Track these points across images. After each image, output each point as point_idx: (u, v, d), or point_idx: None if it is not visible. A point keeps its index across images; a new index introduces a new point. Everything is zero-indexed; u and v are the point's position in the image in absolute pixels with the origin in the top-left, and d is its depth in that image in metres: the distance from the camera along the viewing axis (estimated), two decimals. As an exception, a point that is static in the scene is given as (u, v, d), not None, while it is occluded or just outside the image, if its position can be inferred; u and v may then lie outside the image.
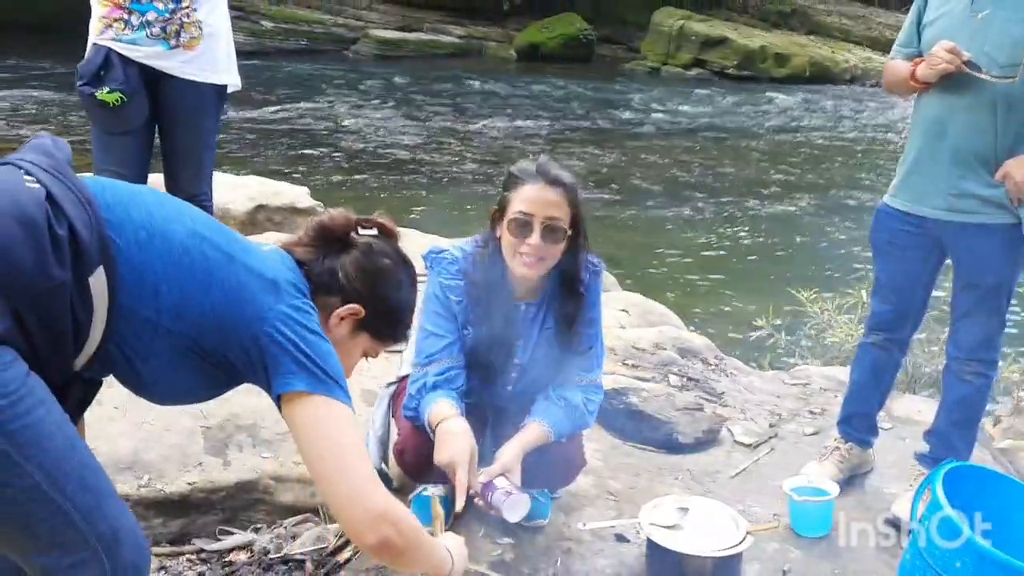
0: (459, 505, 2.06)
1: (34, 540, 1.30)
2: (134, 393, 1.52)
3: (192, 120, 2.77)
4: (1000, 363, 2.83)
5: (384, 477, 2.43)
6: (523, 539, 2.37)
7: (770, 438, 3.11)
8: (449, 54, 20.15)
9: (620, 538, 2.39)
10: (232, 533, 2.46)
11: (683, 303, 4.78)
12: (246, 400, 2.65)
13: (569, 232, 2.17)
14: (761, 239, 7.64)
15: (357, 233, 1.64)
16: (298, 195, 4.92)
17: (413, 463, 2.29)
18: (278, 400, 1.46)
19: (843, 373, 3.83)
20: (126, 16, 2.60)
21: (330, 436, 1.44)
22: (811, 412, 3.38)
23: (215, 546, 2.42)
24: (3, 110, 10.79)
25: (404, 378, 2.41)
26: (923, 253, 2.54)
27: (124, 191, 1.45)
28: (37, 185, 1.32)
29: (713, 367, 3.68)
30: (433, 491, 2.40)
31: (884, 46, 21.06)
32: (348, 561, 2.32)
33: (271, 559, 2.32)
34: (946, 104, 2.40)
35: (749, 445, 3.04)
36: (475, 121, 12.70)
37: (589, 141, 11.96)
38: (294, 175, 8.34)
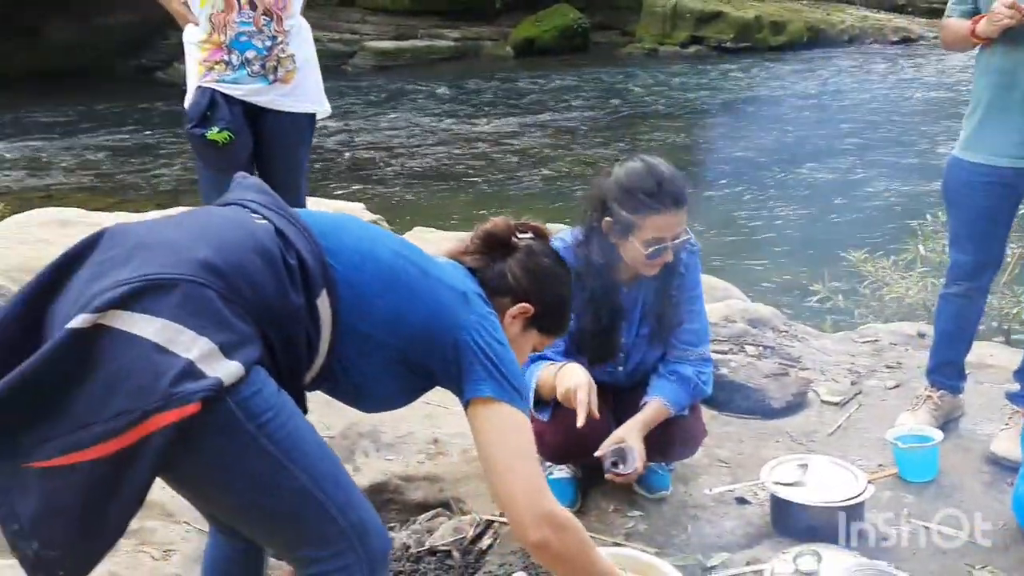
0: (580, 421, 2.15)
1: (300, 535, 1.44)
2: (349, 405, 1.67)
3: (291, 149, 2.91)
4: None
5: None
6: (651, 511, 2.50)
7: (855, 395, 3.23)
8: (447, 58, 20.21)
9: (741, 500, 2.52)
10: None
11: (740, 277, 4.89)
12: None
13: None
14: (804, 206, 7.70)
15: (517, 237, 1.77)
16: (355, 210, 5.06)
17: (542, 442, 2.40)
18: (467, 403, 1.60)
19: (909, 328, 3.96)
20: (227, 57, 2.74)
21: (509, 440, 1.58)
22: (887, 367, 3.49)
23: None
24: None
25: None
26: (998, 202, 2.66)
27: (330, 220, 1.60)
28: (264, 221, 1.47)
29: (784, 334, 3.80)
30: (559, 473, 2.56)
31: (876, 3, 21.14)
32: (491, 547, 2.45)
33: (418, 552, 2.45)
34: (1012, 56, 2.51)
35: (836, 403, 3.16)
36: (485, 121, 12.82)
37: (603, 128, 12.05)
38: (336, 191, 8.53)
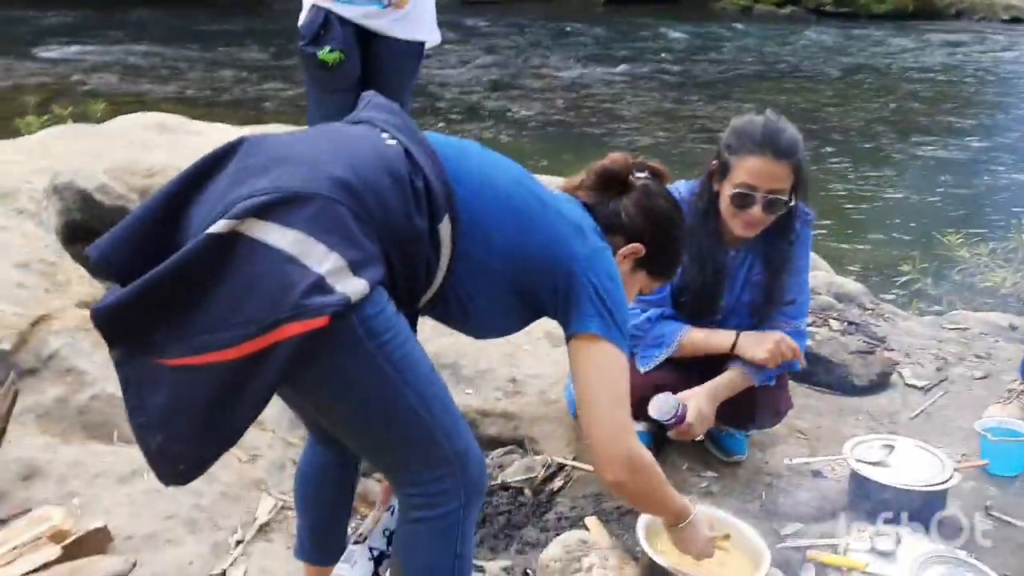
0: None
1: (406, 455, 1.48)
2: (458, 330, 1.68)
3: (398, 76, 2.91)
4: None
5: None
6: (725, 474, 2.50)
7: (940, 381, 3.16)
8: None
9: (817, 474, 2.50)
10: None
11: (829, 250, 4.78)
12: (443, 340, 2.83)
13: (790, 201, 2.23)
14: (908, 183, 7.47)
15: (634, 176, 1.74)
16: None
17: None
18: (570, 336, 1.59)
19: (1000, 318, 3.84)
20: (343, -21, 2.74)
21: (605, 379, 1.57)
22: (976, 356, 3.40)
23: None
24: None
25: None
26: None
27: (455, 145, 1.59)
28: (395, 142, 1.47)
29: (871, 311, 3.72)
30: (636, 427, 2.55)
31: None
32: (561, 489, 2.49)
33: (491, 486, 2.50)
34: None
35: (921, 388, 3.10)
36: (580, 67, 12.63)
37: (692, 86, 11.80)
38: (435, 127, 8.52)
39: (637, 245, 1.70)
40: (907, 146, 8.67)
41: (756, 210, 2.20)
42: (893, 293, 4.44)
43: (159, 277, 1.27)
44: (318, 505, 1.83)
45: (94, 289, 2.85)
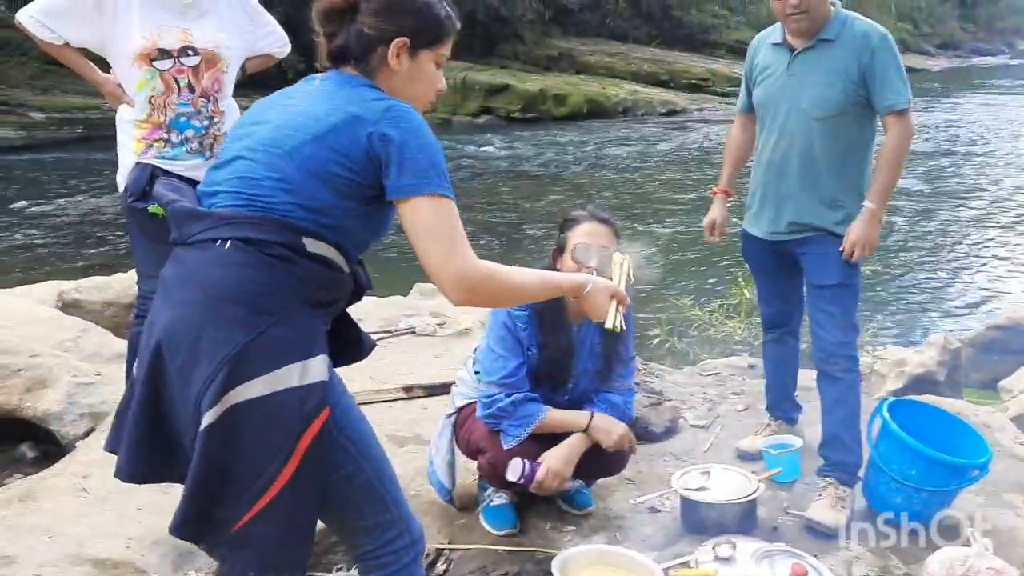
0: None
1: (364, 521, 1.73)
2: None
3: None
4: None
5: (450, 501, 2.87)
6: (582, 524, 2.88)
7: (716, 418, 3.78)
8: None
9: (653, 509, 2.95)
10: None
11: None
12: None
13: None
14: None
15: None
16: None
17: (488, 465, 2.71)
18: (391, 201, 1.67)
19: (741, 361, 4.63)
20: (166, 135, 2.87)
21: (430, 233, 1.64)
22: (734, 394, 4.10)
23: None
24: None
25: (462, 408, 2.85)
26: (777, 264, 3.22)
27: (248, 148, 1.74)
28: (222, 241, 1.64)
29: (642, 371, 4.32)
30: (498, 500, 2.87)
31: (645, 78, 23.28)
32: (446, 572, 2.71)
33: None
34: (780, 148, 3.04)
35: (703, 426, 3.70)
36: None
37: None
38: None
39: (398, 40, 1.73)
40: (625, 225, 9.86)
41: (594, 262, 2.59)
42: (651, 354, 5.13)
43: (196, 486, 1.54)
44: None
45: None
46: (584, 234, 2.68)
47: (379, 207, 1.69)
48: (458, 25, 1.83)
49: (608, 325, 1.96)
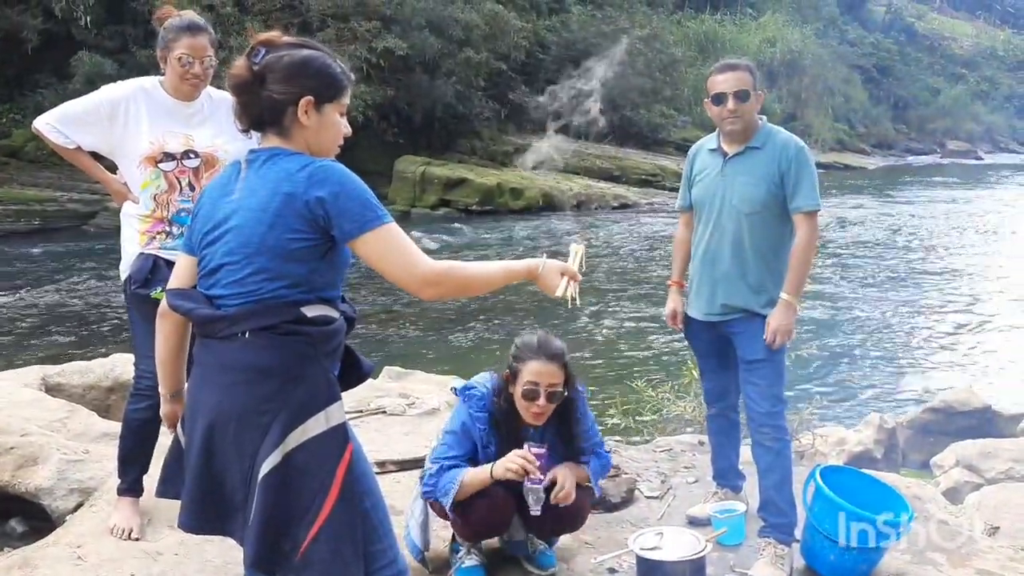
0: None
1: (366, 550, 1.99)
2: None
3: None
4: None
5: (423, 562, 3.10)
6: (547, 585, 3.13)
7: (668, 490, 4.07)
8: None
9: (611, 570, 3.21)
10: None
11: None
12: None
13: (564, 392, 2.98)
14: (598, 353, 8.84)
15: (254, 64, 1.95)
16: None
17: (468, 524, 2.97)
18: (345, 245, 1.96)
19: (691, 438, 4.94)
20: (168, 228, 3.16)
21: (388, 256, 1.91)
22: (685, 467, 4.39)
23: None
24: None
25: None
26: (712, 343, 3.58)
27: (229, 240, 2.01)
28: (240, 334, 1.98)
29: (601, 448, 4.62)
30: (469, 562, 3.11)
31: (597, 174, 24.15)
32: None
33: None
34: (706, 240, 3.44)
35: (657, 497, 3.98)
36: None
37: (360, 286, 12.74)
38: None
39: (304, 99, 1.95)
40: (571, 322, 10.28)
41: (541, 400, 2.94)
42: (608, 432, 5.42)
43: (263, 524, 1.87)
44: None
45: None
46: (533, 373, 2.94)
47: (336, 249, 1.97)
48: (352, 78, 2.07)
49: (558, 294, 2.15)
